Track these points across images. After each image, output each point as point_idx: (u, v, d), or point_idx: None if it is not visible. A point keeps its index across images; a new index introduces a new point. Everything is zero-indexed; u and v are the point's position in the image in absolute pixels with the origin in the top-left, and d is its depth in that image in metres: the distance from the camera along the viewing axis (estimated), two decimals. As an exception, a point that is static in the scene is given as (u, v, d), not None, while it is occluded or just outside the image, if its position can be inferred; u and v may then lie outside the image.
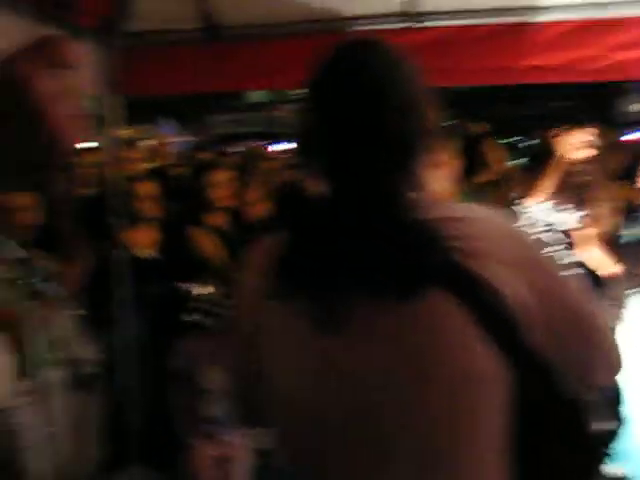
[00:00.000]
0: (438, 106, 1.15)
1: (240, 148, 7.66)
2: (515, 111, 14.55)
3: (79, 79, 0.64)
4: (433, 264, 1.04)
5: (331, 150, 1.13)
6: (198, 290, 2.20)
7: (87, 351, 3.13)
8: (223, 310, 2.19)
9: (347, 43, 1.16)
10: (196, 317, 2.21)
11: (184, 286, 2.22)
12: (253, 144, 7.64)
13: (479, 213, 1.14)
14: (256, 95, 18.64)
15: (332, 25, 3.38)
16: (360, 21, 3.39)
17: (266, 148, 8.57)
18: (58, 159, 0.63)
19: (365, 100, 1.09)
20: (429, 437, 1.06)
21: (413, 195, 1.11)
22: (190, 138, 14.72)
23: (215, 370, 3.39)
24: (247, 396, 1.33)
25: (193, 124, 16.52)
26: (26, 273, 2.56)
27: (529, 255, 1.12)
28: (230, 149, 7.63)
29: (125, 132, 4.34)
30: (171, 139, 9.04)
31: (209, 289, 2.24)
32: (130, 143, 4.20)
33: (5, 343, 1.85)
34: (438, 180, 1.19)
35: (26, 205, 2.94)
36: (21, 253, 2.55)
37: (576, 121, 3.36)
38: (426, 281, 1.04)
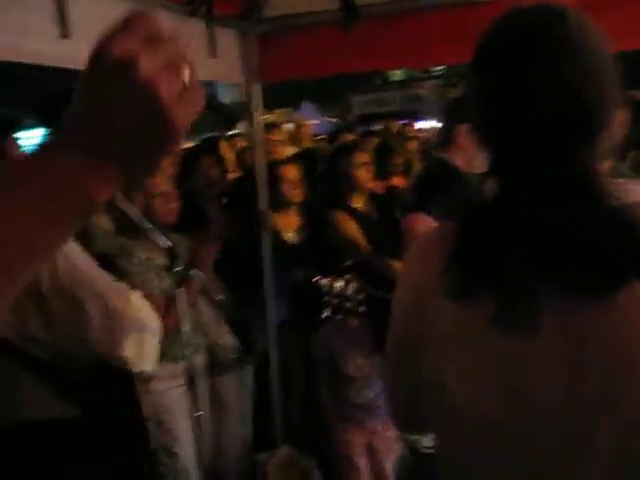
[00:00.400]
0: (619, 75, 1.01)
1: (381, 127, 7.57)
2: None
3: (181, 52, 0.59)
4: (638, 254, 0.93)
5: (512, 125, 1.00)
6: (330, 283, 2.16)
7: (228, 336, 3.17)
8: (355, 306, 2.14)
9: (526, 8, 1.03)
10: (327, 313, 2.18)
11: (318, 278, 2.19)
12: (393, 123, 7.51)
13: None
14: (397, 73, 18.44)
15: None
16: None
17: (408, 126, 8.42)
18: (175, 136, 0.59)
19: (556, 66, 0.96)
20: (623, 450, 0.95)
21: (603, 175, 0.99)
22: (331, 119, 14.83)
23: (359, 357, 3.37)
24: (408, 401, 1.23)
25: (334, 105, 16.62)
26: (173, 260, 2.63)
27: None
28: (372, 129, 7.54)
29: (267, 117, 4.38)
30: (312, 121, 9.11)
31: (340, 283, 2.20)
32: (273, 127, 4.23)
33: (157, 328, 1.92)
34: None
35: (167, 191, 3.01)
36: (168, 240, 2.63)
37: None
38: (631, 274, 0.92)
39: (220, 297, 3.11)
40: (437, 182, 2.96)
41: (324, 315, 2.12)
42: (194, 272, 2.85)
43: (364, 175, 3.60)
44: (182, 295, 2.66)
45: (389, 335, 1.22)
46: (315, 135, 7.76)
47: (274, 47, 3.53)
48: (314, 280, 2.14)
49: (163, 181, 3.04)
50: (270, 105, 3.86)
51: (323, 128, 11.86)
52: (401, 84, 18.54)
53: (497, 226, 1.01)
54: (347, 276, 2.14)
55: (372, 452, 3.45)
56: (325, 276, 2.14)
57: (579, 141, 0.98)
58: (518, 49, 0.99)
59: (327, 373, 3.42)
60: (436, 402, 1.11)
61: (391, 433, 3.45)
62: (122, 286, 1.86)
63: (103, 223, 3.34)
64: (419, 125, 11.17)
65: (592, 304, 0.93)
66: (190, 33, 3.03)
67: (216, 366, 3.13)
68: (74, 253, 1.80)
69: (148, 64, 0.56)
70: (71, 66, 2.42)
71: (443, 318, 1.06)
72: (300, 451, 3.60)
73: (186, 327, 2.75)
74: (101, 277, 1.82)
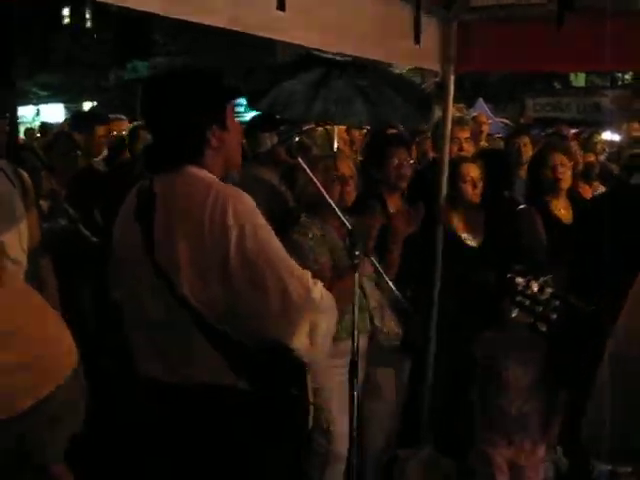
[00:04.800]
0: None
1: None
2: None
3: None
4: None
5: None
6: (527, 283, 2.05)
7: (393, 324, 3.10)
8: (548, 312, 2.02)
9: None
10: (515, 313, 2.07)
11: (512, 275, 2.09)
12: (590, 130, 7.13)
13: None
14: (579, 78, 17.60)
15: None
16: None
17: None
18: None
19: None
20: None
21: None
22: (504, 120, 14.35)
23: (521, 366, 3.22)
24: (625, 423, 1.14)
25: (508, 106, 16.11)
26: (353, 242, 2.59)
27: None
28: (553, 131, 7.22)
29: (455, 111, 4.27)
30: (488, 120, 8.82)
31: (534, 284, 2.08)
32: (459, 123, 4.13)
33: (335, 316, 1.91)
34: None
35: (347, 175, 3.00)
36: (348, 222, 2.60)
37: None
38: None
39: (390, 286, 3.04)
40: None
41: (513, 315, 2.02)
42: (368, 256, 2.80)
43: (567, 176, 3.55)
44: (355, 278, 2.62)
45: (610, 350, 1.12)
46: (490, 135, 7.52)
47: (475, 38, 3.42)
48: (508, 276, 2.04)
49: (346, 165, 3.02)
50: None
51: (494, 128, 11.46)
52: (582, 90, 17.59)
53: None
54: (543, 278, 2.02)
55: (516, 470, 3.27)
56: (518, 274, 2.04)
57: None
58: None
59: (482, 377, 3.29)
60: None
61: (541, 453, 3.29)
62: (305, 273, 1.83)
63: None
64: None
65: None
66: (395, 17, 3.00)
67: (375, 352, 3.07)
68: (265, 233, 1.80)
69: None
70: (283, 38, 2.45)
71: None
72: (444, 453, 3.50)
73: (353, 309, 2.72)
74: (286, 260, 1.81)
